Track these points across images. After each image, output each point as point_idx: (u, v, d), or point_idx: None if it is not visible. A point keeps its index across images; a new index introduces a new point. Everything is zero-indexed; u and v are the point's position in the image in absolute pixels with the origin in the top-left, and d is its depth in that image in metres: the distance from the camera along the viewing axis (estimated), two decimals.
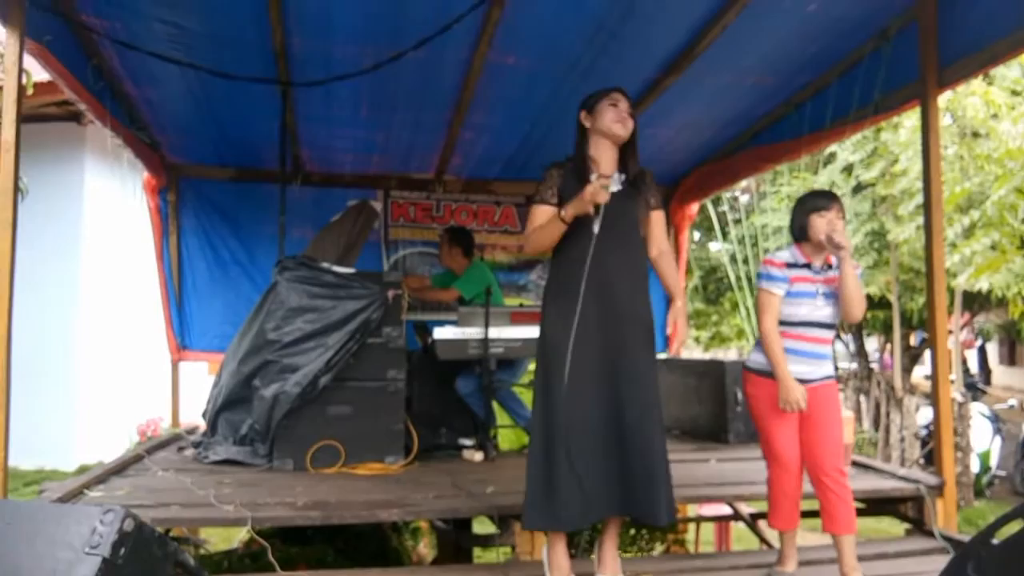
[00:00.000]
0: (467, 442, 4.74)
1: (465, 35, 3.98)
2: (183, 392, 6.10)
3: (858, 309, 2.85)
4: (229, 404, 4.49)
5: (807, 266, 2.92)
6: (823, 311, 2.89)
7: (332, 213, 5.71)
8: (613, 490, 2.65)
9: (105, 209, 8.37)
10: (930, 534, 3.45)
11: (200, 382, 6.68)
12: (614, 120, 2.81)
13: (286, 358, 4.18)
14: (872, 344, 13.99)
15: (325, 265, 4.41)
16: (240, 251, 6.12)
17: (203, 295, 6.05)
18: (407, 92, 4.68)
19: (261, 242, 5.98)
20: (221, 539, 5.97)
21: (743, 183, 11.67)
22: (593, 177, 2.67)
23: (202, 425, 5.01)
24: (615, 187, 2.73)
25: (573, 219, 2.69)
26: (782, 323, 2.91)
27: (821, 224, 2.86)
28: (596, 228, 2.67)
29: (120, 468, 3.94)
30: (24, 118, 3.03)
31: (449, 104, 4.92)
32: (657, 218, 2.94)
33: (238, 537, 5.47)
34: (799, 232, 2.94)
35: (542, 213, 2.82)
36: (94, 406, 8.20)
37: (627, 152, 2.87)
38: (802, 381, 2.88)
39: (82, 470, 6.41)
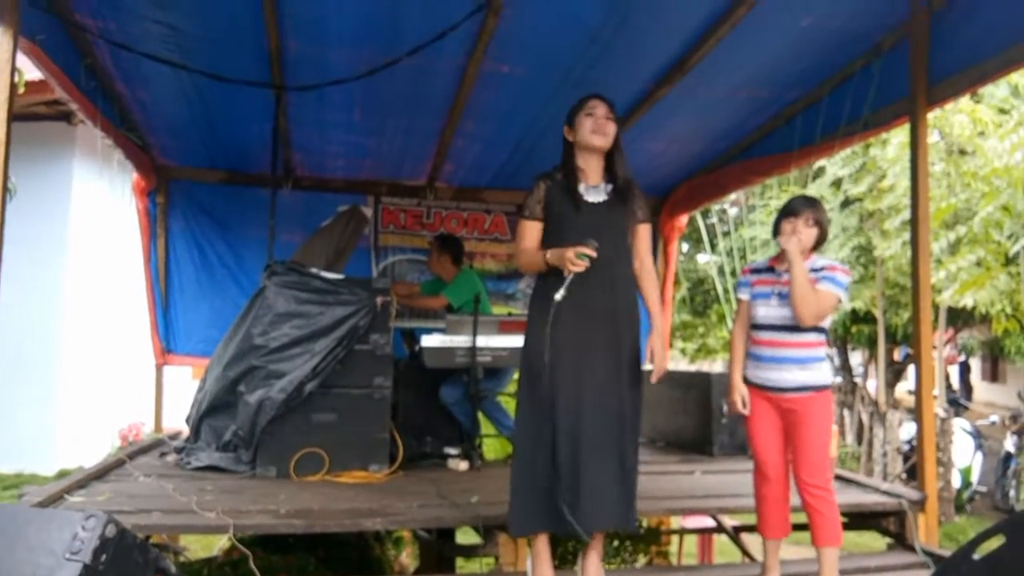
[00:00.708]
0: (452, 451, 4.72)
1: (460, 43, 3.99)
2: (166, 397, 6.05)
3: (804, 309, 2.81)
4: (213, 410, 4.45)
5: (770, 269, 2.98)
6: (780, 312, 2.90)
7: (322, 218, 5.69)
8: (595, 500, 2.67)
9: (93, 210, 8.31)
10: (911, 549, 3.47)
11: (184, 387, 6.65)
12: (591, 131, 2.84)
13: (272, 364, 4.16)
14: (856, 359, 14.07)
15: (314, 271, 4.40)
16: (228, 255, 6.09)
17: (189, 299, 6.01)
18: (400, 98, 4.68)
19: (249, 246, 5.94)
20: (201, 547, 5.92)
21: (732, 196, 11.74)
22: (581, 249, 2.67)
23: (185, 430, 4.97)
24: (592, 250, 2.68)
25: (556, 237, 2.78)
26: (753, 327, 2.98)
27: (787, 229, 2.92)
28: (559, 296, 2.67)
29: (101, 473, 3.90)
30: (14, 117, 3.00)
31: (442, 111, 4.92)
32: (643, 231, 2.96)
33: (218, 545, 5.43)
34: (774, 236, 2.99)
35: (530, 229, 2.89)
36: (76, 410, 8.12)
37: (613, 160, 2.88)
38: (772, 389, 2.88)
39: (62, 475, 6.35)
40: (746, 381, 2.97)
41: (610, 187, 2.88)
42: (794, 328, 2.87)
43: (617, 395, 2.74)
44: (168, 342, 5.93)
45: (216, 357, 4.60)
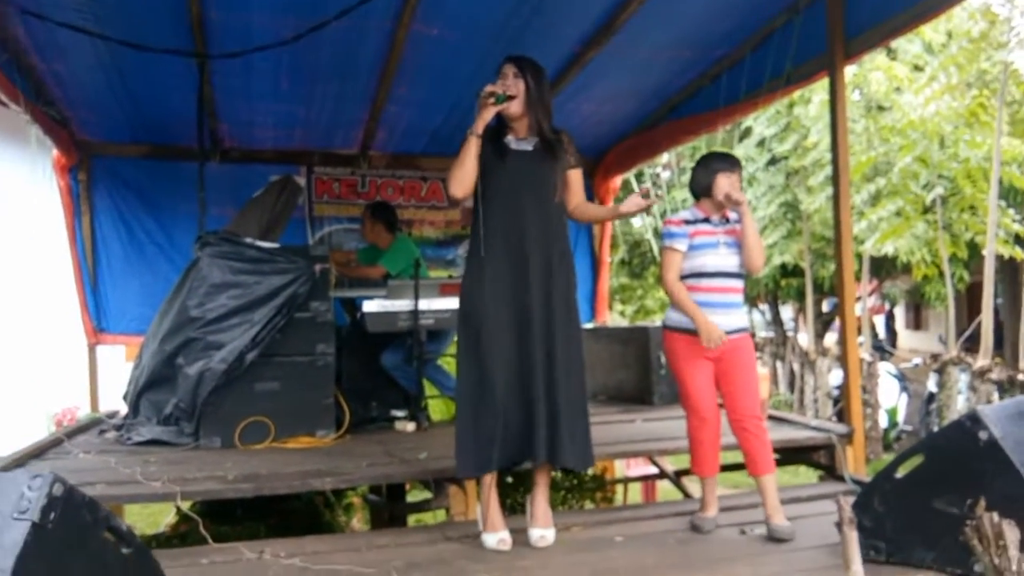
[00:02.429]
0: (399, 413, 4.77)
1: (388, 6, 3.97)
2: (100, 379, 5.91)
3: (759, 258, 3.05)
4: (152, 384, 4.38)
5: (706, 220, 3.07)
6: (728, 260, 3.04)
7: (253, 190, 5.58)
8: (537, 435, 2.76)
9: (12, 190, 7.98)
10: (841, 479, 3.67)
11: (117, 369, 6.49)
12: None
13: (210, 335, 4.12)
14: (787, 313, 14.54)
15: (248, 240, 4.35)
16: (157, 231, 5.95)
17: (119, 277, 5.86)
18: (329, 64, 4.62)
19: (179, 221, 5.82)
20: (147, 525, 5.86)
21: (664, 158, 11.93)
22: (488, 88, 2.81)
23: (123, 410, 4.89)
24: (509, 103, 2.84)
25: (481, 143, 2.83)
26: (694, 276, 3.04)
27: (725, 184, 3.01)
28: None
29: (39, 451, 3.83)
30: None
31: (373, 77, 4.88)
32: (575, 176, 3.02)
33: (164, 521, 5.38)
34: (703, 189, 3.07)
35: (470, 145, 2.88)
36: (6, 396, 7.86)
37: (535, 116, 2.91)
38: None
39: None
40: (680, 329, 3.06)
41: (536, 139, 2.94)
42: (737, 275, 3.05)
43: (556, 338, 2.81)
44: (99, 321, 5.78)
45: (151, 332, 4.53)
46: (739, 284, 3.09)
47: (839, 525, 2.10)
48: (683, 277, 3.05)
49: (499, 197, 2.86)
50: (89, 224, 5.76)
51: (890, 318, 19.91)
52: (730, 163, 3.07)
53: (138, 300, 5.78)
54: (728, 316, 3.02)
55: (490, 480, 2.85)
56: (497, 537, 2.80)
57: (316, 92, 5.07)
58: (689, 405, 3.06)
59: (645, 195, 2.81)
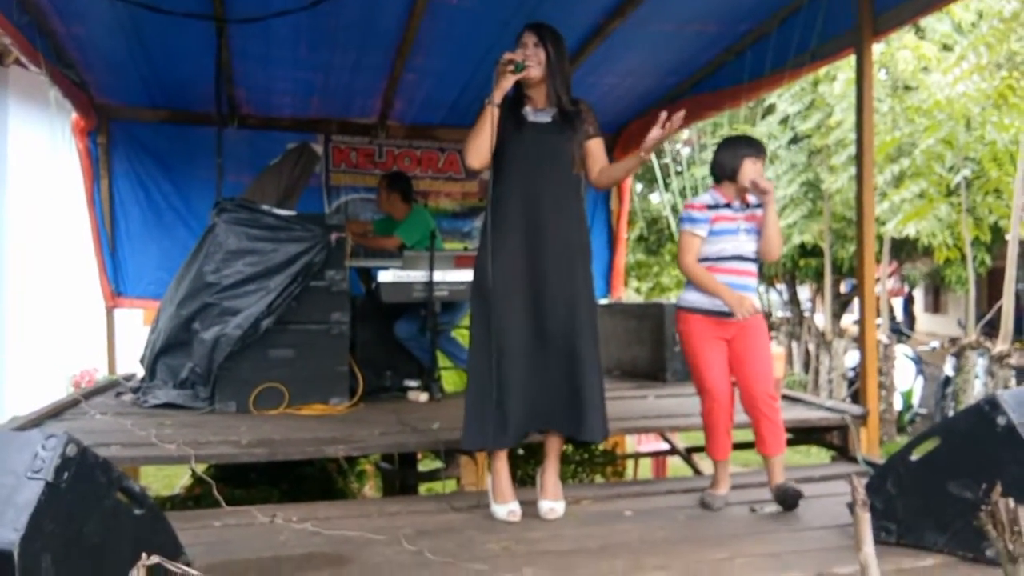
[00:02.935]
0: (412, 384, 4.78)
1: None
2: (118, 342, 5.97)
3: (776, 249, 3.02)
4: (168, 348, 4.42)
5: (727, 205, 3.03)
6: (747, 246, 3.02)
7: (270, 158, 5.59)
8: (547, 408, 2.78)
9: (31, 153, 8.01)
10: (854, 460, 3.65)
11: (135, 333, 6.56)
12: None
13: (226, 301, 4.14)
14: (805, 293, 14.43)
15: (265, 207, 4.35)
16: (175, 196, 5.98)
17: (137, 241, 5.91)
18: (348, 31, 4.58)
19: (196, 187, 5.84)
20: (162, 487, 5.94)
21: (684, 135, 11.80)
22: (507, 56, 2.75)
23: (139, 373, 4.94)
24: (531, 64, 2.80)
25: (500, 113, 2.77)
26: (712, 259, 3.01)
27: (751, 170, 2.97)
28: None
29: (56, 412, 3.88)
30: None
31: (391, 45, 4.84)
32: (596, 145, 2.96)
33: (179, 484, 5.45)
34: (729, 173, 3.02)
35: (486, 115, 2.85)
36: (25, 357, 7.96)
37: (554, 85, 2.87)
38: (730, 315, 2.98)
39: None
40: (695, 309, 3.04)
41: (555, 111, 2.89)
42: (753, 260, 3.03)
43: (571, 311, 2.80)
44: (117, 285, 5.83)
45: (168, 297, 4.56)
46: (754, 268, 3.06)
47: (851, 506, 2.08)
48: (700, 260, 3.01)
49: (515, 169, 2.83)
50: (108, 188, 5.80)
51: (909, 301, 19.70)
52: (756, 149, 3.02)
53: (156, 264, 5.83)
54: None
55: (501, 452, 2.86)
56: (507, 508, 2.81)
57: (334, 60, 5.04)
58: (702, 386, 3.04)
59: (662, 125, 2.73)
